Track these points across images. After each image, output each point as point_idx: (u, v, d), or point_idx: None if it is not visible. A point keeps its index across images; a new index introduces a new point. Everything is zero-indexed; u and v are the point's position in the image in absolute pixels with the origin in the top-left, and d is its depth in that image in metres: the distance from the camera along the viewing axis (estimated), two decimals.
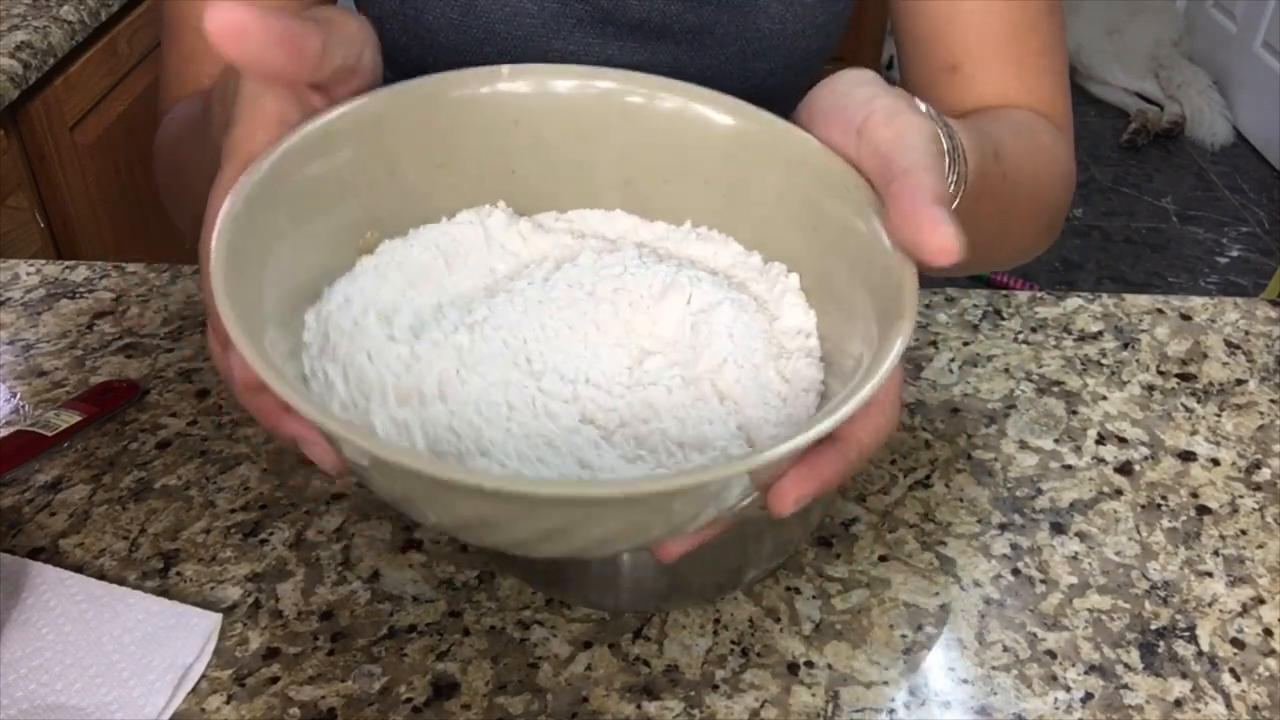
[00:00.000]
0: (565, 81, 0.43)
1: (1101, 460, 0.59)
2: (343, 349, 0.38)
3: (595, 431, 0.37)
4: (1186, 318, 0.69)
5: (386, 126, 0.41)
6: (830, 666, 0.48)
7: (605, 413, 0.37)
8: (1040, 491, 0.57)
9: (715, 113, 0.43)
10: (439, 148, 0.43)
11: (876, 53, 2.74)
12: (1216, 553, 0.54)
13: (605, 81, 0.43)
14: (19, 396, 0.61)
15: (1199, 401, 0.63)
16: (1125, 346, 0.67)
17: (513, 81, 0.43)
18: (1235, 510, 0.56)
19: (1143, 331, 0.68)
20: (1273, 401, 0.63)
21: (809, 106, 0.42)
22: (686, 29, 0.66)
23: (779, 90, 0.72)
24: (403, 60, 0.70)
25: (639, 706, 0.46)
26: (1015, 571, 0.52)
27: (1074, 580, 0.52)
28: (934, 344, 0.66)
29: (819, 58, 0.71)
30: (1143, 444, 0.60)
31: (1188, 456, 0.59)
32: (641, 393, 0.38)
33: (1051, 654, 0.49)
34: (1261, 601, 0.51)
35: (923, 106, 0.45)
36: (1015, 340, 0.67)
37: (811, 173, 0.41)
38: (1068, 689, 0.47)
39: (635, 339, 0.40)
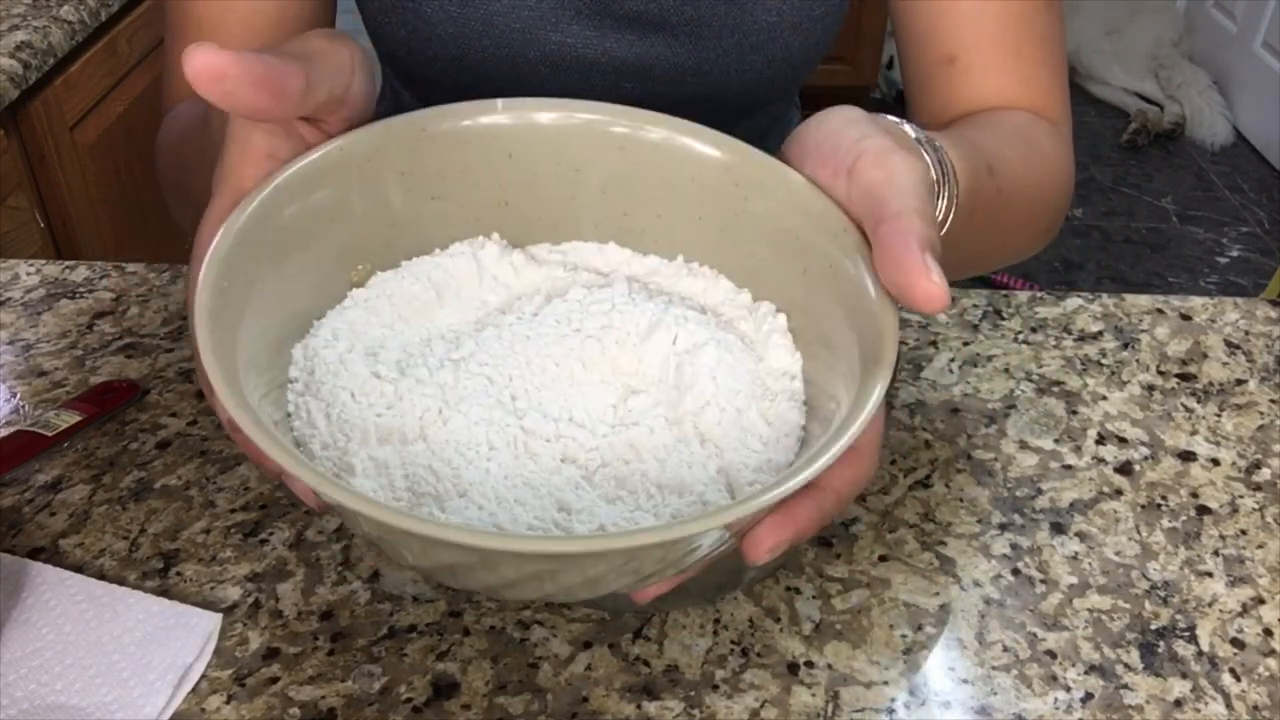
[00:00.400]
0: (556, 114, 0.43)
1: (1101, 460, 0.59)
2: (326, 386, 0.37)
3: (576, 471, 0.36)
4: (1186, 318, 0.69)
5: (379, 160, 0.41)
6: (830, 666, 0.48)
7: (587, 452, 0.37)
8: (1040, 491, 0.57)
9: (702, 145, 0.43)
10: (432, 180, 0.43)
11: (876, 53, 2.74)
12: (1216, 553, 0.54)
13: (590, 114, 0.43)
14: (19, 396, 0.61)
15: (1199, 401, 0.63)
16: (1125, 346, 0.67)
17: (506, 115, 0.43)
18: (1235, 510, 0.56)
19: (1143, 331, 0.68)
20: (1273, 401, 0.63)
21: (798, 144, 0.42)
22: (684, 21, 0.67)
23: (776, 84, 0.72)
24: (401, 54, 0.70)
25: (639, 706, 0.46)
26: (1015, 571, 0.52)
27: (1074, 580, 0.52)
28: (934, 344, 0.66)
29: (816, 52, 0.71)
30: (1143, 444, 0.60)
31: (1188, 456, 0.59)
32: (624, 433, 0.38)
33: (1051, 654, 0.49)
34: (1261, 601, 0.51)
35: (912, 133, 0.44)
36: (1015, 340, 0.67)
37: (803, 214, 0.41)
38: (1068, 689, 0.47)
39: (621, 377, 0.40)
